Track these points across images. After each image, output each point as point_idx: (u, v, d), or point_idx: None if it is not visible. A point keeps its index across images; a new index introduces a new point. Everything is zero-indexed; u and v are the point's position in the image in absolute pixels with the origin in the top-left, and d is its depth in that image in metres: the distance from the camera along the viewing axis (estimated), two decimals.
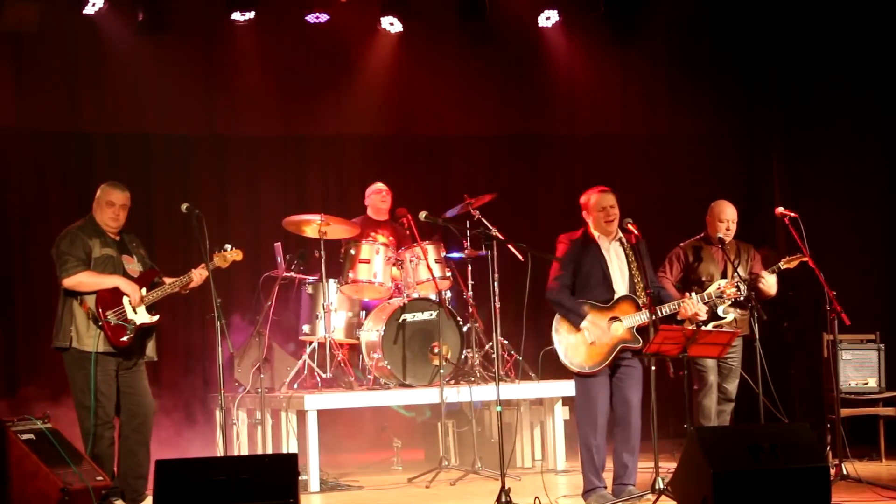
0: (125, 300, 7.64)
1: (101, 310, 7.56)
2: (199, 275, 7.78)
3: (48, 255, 7.77)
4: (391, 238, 9.92)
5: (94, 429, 7.56)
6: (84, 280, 7.60)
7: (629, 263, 7.49)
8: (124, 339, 7.60)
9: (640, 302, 7.41)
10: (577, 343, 7.46)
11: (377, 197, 10.25)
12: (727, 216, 8.72)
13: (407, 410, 9.94)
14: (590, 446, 7.45)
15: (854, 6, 11.28)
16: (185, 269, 7.99)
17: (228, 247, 7.93)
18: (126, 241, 7.88)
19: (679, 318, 7.65)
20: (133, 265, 7.81)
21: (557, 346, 7.48)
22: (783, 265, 8.28)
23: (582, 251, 7.52)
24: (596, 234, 7.58)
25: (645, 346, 7.28)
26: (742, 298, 7.96)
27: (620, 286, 7.50)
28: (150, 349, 7.84)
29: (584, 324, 7.40)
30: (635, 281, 7.46)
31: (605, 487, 7.44)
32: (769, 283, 8.27)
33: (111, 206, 7.76)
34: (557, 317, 7.51)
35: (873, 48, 11.39)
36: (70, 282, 7.61)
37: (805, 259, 8.22)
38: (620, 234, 7.56)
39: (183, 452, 9.07)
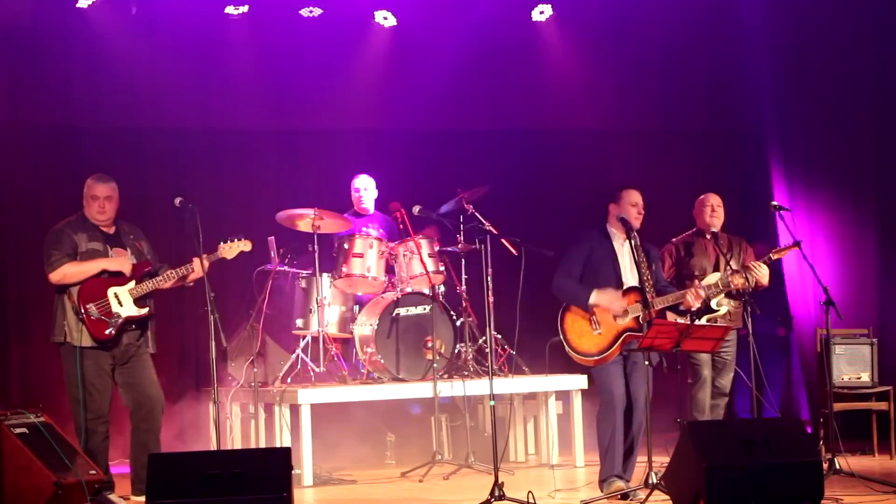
0: (110, 293, 7.68)
1: (81, 303, 7.60)
2: (199, 265, 7.75)
3: (41, 249, 7.80)
4: (381, 230, 9.91)
5: (84, 423, 7.62)
6: (68, 271, 7.68)
7: (639, 264, 7.50)
8: (107, 332, 7.63)
9: (648, 294, 7.42)
10: (582, 332, 7.48)
11: (355, 196, 10.25)
12: (710, 201, 8.83)
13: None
14: (607, 433, 7.48)
15: (849, 1, 11.29)
16: (178, 262, 8.00)
17: (236, 238, 7.95)
18: (121, 234, 7.88)
19: (682, 307, 7.68)
20: (125, 258, 7.81)
21: (563, 336, 7.51)
22: (774, 256, 8.30)
23: (595, 245, 7.57)
24: (612, 231, 7.60)
25: (639, 341, 7.30)
26: (750, 289, 7.96)
27: (630, 281, 7.53)
28: (148, 342, 7.85)
29: (591, 299, 7.40)
30: (644, 279, 7.47)
31: (621, 477, 7.46)
32: (762, 273, 8.31)
33: (96, 200, 7.83)
34: (562, 308, 7.53)
35: (868, 42, 11.38)
36: (55, 276, 7.70)
37: (794, 249, 8.23)
38: (635, 236, 7.56)
39: (176, 446, 9.06)
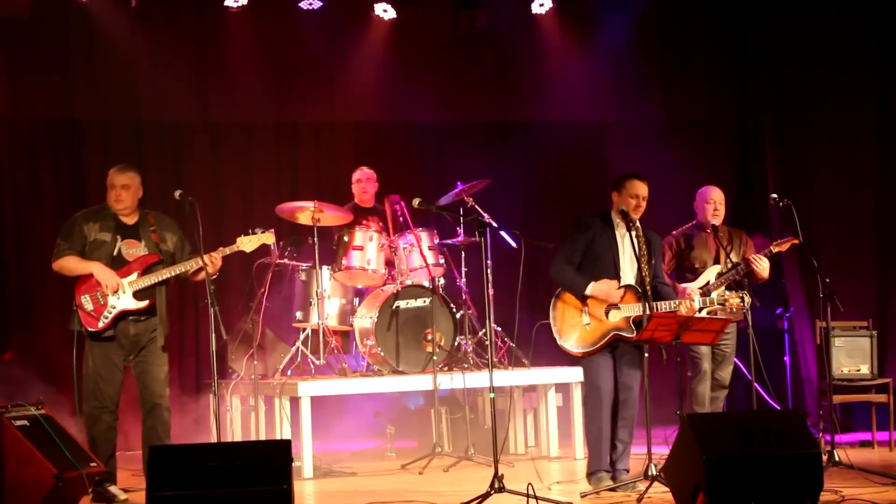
0: None
1: (77, 294, 7.72)
2: (212, 260, 7.72)
3: (41, 242, 7.86)
4: (380, 224, 9.92)
5: (79, 407, 7.74)
6: (65, 265, 7.79)
7: (639, 256, 7.48)
8: (99, 325, 7.70)
9: (642, 294, 7.40)
10: (572, 323, 7.48)
11: (357, 187, 10.27)
12: (713, 198, 8.77)
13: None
14: (595, 426, 7.50)
15: None
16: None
17: (259, 230, 7.94)
18: (141, 225, 7.89)
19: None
20: (135, 249, 7.83)
21: (553, 323, 7.51)
22: (774, 249, 8.30)
23: (597, 233, 7.53)
24: (615, 219, 7.58)
25: (638, 333, 7.30)
26: (745, 309, 7.91)
27: (628, 275, 7.50)
28: (160, 335, 7.84)
29: (588, 290, 7.39)
30: (643, 273, 7.44)
31: (609, 471, 7.48)
32: (763, 265, 8.32)
33: (112, 189, 7.87)
34: (556, 293, 7.53)
35: (867, 34, 11.39)
36: (55, 266, 7.84)
37: (795, 242, 8.23)
38: (637, 227, 7.54)
39: (176, 438, 9.07)
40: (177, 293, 10.29)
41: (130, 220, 7.89)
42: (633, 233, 7.49)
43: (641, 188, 7.53)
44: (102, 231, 7.80)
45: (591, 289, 7.42)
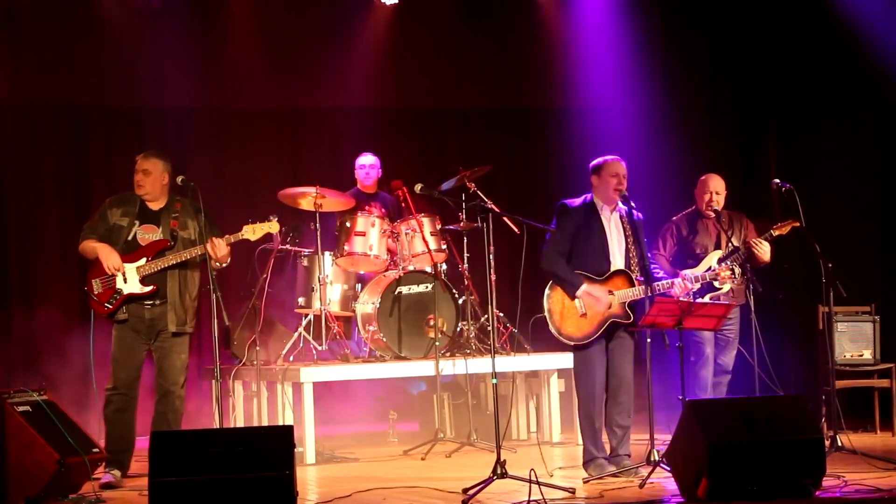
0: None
1: (89, 278, 7.79)
2: (215, 246, 7.71)
3: (43, 228, 7.86)
4: (383, 210, 9.92)
5: (100, 391, 7.76)
6: (83, 248, 7.89)
7: (626, 237, 7.46)
8: (107, 305, 7.73)
9: (634, 277, 7.39)
10: (567, 313, 7.44)
11: (361, 172, 10.28)
12: (712, 187, 8.73)
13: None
14: (588, 416, 7.48)
15: None
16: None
17: (265, 219, 7.94)
18: (164, 211, 7.90)
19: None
20: (151, 235, 7.85)
21: (548, 314, 7.48)
22: (775, 232, 8.29)
23: (583, 219, 7.47)
24: (599, 203, 7.55)
25: (640, 319, 7.28)
26: (736, 283, 7.91)
27: (617, 259, 7.47)
28: (170, 321, 7.83)
29: (578, 292, 7.39)
30: (631, 255, 7.43)
31: (605, 458, 7.47)
32: (764, 249, 8.31)
33: (135, 175, 7.92)
34: (550, 285, 7.51)
35: (868, 19, 11.35)
36: (79, 249, 7.93)
37: (796, 225, 8.21)
38: (621, 207, 7.53)
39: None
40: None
41: (156, 206, 7.92)
42: (619, 214, 7.46)
43: (619, 167, 7.49)
44: (123, 216, 7.85)
45: (581, 291, 7.39)
